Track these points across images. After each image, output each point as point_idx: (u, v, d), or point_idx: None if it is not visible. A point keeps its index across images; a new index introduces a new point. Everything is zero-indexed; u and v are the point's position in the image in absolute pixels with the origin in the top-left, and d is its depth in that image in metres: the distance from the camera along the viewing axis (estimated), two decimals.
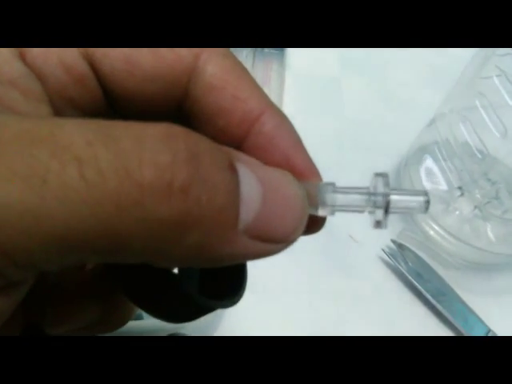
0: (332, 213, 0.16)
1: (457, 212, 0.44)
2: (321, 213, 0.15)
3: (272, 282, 0.41)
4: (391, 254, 0.42)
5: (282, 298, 0.40)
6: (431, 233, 0.44)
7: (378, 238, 0.43)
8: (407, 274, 0.42)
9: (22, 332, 0.15)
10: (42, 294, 0.16)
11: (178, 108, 0.16)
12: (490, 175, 0.44)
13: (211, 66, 0.16)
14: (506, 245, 0.44)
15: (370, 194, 0.16)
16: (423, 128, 0.47)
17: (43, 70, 0.15)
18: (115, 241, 0.11)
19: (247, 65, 0.54)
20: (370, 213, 0.16)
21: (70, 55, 0.15)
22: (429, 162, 0.46)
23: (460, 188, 0.44)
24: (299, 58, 0.57)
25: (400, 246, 0.43)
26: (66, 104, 0.15)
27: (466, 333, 0.40)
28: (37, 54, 0.15)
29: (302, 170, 0.16)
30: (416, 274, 0.42)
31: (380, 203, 0.15)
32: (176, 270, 0.17)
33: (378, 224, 0.16)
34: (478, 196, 0.43)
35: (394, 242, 0.43)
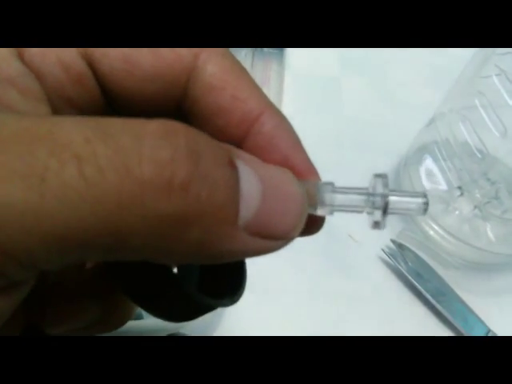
0: (331, 212, 0.16)
1: (456, 212, 0.44)
2: (319, 212, 0.15)
3: (272, 282, 0.41)
4: (391, 254, 0.42)
5: (281, 298, 0.40)
6: (431, 233, 0.44)
7: (377, 238, 0.43)
8: (407, 274, 0.42)
9: (22, 332, 0.15)
10: (42, 294, 0.16)
11: (177, 108, 0.16)
12: (489, 175, 0.43)
13: (211, 65, 0.16)
14: (505, 245, 0.43)
15: (368, 194, 0.16)
16: (423, 128, 0.47)
17: (42, 69, 0.15)
18: (116, 238, 0.11)
19: (246, 65, 0.54)
20: (369, 213, 0.16)
21: (69, 54, 0.15)
22: (428, 162, 0.46)
23: (460, 188, 0.43)
24: (298, 57, 0.57)
25: (400, 246, 0.43)
26: (65, 103, 0.15)
27: (466, 333, 0.40)
28: (35, 53, 0.15)
29: (300, 170, 0.16)
30: (416, 274, 0.42)
31: (378, 204, 0.15)
32: (176, 269, 0.17)
33: (376, 225, 0.16)
34: (478, 196, 0.43)
35: (393, 241, 0.43)
